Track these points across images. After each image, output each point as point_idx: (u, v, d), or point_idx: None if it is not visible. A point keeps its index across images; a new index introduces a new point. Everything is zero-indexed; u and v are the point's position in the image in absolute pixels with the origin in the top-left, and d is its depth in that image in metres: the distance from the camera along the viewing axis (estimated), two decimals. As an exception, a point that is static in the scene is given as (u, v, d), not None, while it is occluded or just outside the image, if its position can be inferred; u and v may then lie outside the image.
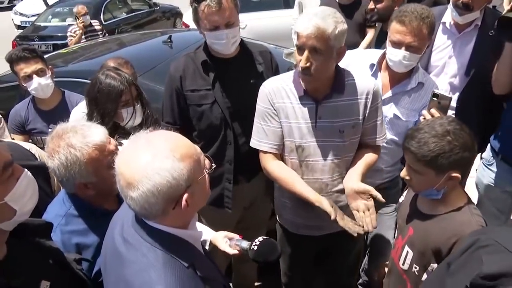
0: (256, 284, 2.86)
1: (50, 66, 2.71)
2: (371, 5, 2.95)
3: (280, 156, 1.97)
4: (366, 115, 1.88)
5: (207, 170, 1.18)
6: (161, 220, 1.13)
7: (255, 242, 1.59)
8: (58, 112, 2.59)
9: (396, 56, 2.07)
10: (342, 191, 1.91)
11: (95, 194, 1.50)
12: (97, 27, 5.96)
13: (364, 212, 1.75)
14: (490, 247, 1.06)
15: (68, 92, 2.82)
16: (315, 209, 1.87)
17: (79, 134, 1.46)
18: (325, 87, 1.84)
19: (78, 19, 5.69)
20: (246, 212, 2.39)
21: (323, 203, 1.79)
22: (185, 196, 1.09)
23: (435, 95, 1.96)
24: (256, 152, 2.13)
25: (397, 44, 2.06)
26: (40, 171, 1.82)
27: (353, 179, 1.83)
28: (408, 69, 2.13)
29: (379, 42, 2.86)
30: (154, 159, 1.06)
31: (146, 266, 1.09)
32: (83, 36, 5.67)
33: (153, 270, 1.08)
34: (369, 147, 1.96)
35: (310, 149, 1.88)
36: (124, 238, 1.17)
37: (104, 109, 2.00)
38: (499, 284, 0.97)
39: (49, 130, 2.63)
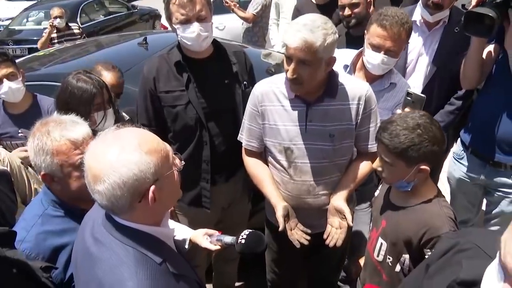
0: (236, 284, 2.86)
1: (21, 70, 2.67)
2: (347, 11, 2.96)
3: (262, 155, 2.06)
4: (359, 121, 1.87)
5: (176, 168, 1.19)
6: (130, 217, 1.13)
7: (242, 236, 1.60)
8: (29, 116, 2.50)
9: (375, 59, 2.11)
10: (329, 195, 1.94)
11: (61, 191, 1.49)
12: (76, 31, 5.86)
13: (336, 229, 1.84)
14: (470, 251, 1.05)
15: (40, 96, 2.77)
16: (304, 208, 1.92)
17: (60, 125, 1.48)
18: (316, 91, 1.84)
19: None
20: (225, 213, 2.39)
21: (278, 211, 1.87)
22: (152, 188, 1.10)
23: (409, 94, 2.01)
24: (232, 151, 2.17)
25: (376, 48, 2.10)
26: (3, 178, 1.80)
27: (337, 197, 1.89)
28: (385, 72, 2.18)
29: (343, 45, 2.92)
30: (122, 152, 1.07)
31: (117, 263, 1.09)
32: (58, 39, 5.57)
33: (124, 267, 1.08)
34: (365, 154, 1.97)
35: (299, 152, 1.88)
36: (95, 237, 1.17)
37: (77, 113, 1.97)
38: None
39: (19, 134, 2.60)
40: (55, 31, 5.52)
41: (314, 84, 1.79)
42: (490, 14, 1.91)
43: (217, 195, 2.27)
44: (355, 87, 1.87)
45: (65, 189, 1.49)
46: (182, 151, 2.14)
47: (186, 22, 1.99)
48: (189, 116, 2.12)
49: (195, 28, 2.00)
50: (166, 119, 2.16)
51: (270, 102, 1.91)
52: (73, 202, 1.51)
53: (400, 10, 2.15)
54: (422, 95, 2.03)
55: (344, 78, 1.89)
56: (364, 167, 1.95)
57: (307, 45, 1.65)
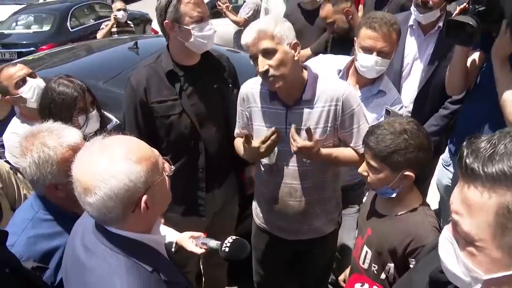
0: (227, 288, 2.87)
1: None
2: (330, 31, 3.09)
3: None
4: (339, 123, 1.86)
5: (166, 173, 1.19)
6: (121, 226, 1.13)
7: (226, 244, 1.63)
8: (8, 124, 2.47)
9: (368, 61, 2.12)
10: (313, 202, 1.96)
11: (66, 198, 1.48)
12: (132, 29, 5.82)
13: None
14: None
15: None
16: (288, 212, 1.93)
17: (54, 134, 1.49)
18: (295, 93, 1.85)
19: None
20: (215, 217, 2.40)
21: (255, 142, 1.86)
22: (144, 198, 1.10)
23: (387, 111, 2.04)
24: (225, 156, 2.19)
25: (368, 50, 2.11)
26: None
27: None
28: (379, 74, 2.18)
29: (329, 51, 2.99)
30: (110, 162, 1.07)
31: (108, 272, 1.09)
32: (118, 35, 5.41)
33: (116, 276, 1.08)
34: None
35: (281, 154, 1.90)
36: (85, 245, 1.16)
37: (59, 118, 1.93)
38: None
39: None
40: (115, 25, 5.35)
41: (292, 76, 1.79)
42: (471, 23, 1.91)
43: (210, 202, 2.28)
44: (332, 88, 1.86)
45: (70, 194, 1.47)
46: (177, 161, 2.13)
47: (202, 20, 2.02)
48: (184, 125, 2.11)
49: (209, 24, 2.04)
50: (159, 130, 2.13)
51: (255, 103, 1.94)
52: (68, 206, 1.50)
53: (387, 13, 2.19)
54: (399, 112, 2.07)
55: (322, 80, 1.89)
56: (351, 154, 1.92)
57: (261, 32, 1.73)
